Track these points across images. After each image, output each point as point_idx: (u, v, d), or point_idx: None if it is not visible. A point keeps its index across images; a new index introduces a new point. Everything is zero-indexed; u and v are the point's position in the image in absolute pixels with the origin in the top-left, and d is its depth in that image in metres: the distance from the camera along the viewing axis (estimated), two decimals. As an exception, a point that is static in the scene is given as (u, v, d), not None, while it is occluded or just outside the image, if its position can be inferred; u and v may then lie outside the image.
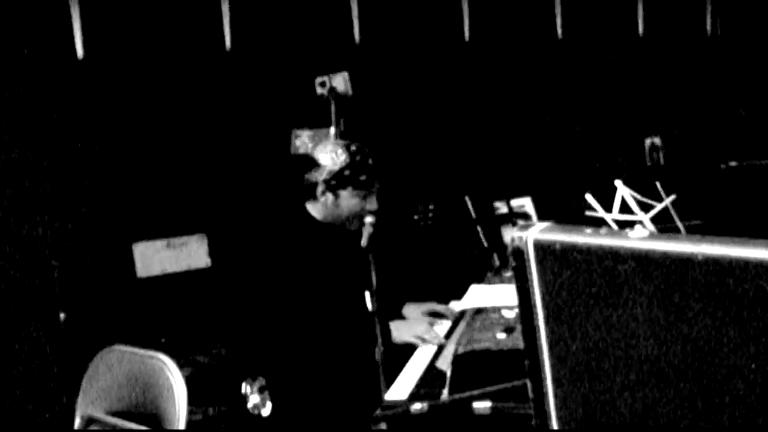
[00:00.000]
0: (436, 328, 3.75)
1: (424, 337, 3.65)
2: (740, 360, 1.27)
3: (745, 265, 1.24)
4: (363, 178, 3.75)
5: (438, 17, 6.53)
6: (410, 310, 3.98)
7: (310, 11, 6.02)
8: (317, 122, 5.26)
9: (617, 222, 3.32)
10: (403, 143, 6.11)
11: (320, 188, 3.73)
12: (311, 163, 3.77)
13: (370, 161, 3.79)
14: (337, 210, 3.78)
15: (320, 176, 3.72)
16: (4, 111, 5.11)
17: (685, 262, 1.29)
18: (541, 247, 1.47)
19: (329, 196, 3.74)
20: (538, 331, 1.52)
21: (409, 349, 3.55)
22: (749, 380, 1.27)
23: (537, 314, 1.52)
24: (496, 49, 6.74)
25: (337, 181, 3.72)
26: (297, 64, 5.78)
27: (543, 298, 1.50)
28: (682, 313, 1.32)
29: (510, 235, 1.53)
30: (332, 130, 5.14)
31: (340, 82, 5.13)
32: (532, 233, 1.49)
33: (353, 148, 3.77)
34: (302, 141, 5.28)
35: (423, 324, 3.77)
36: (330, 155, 3.75)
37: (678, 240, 1.33)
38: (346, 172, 3.72)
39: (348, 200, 3.76)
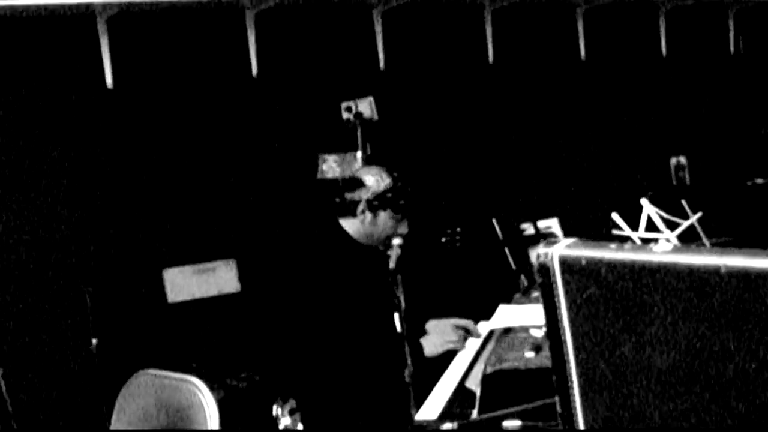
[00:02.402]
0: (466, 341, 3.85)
1: (457, 340, 3.79)
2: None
3: (768, 276, 1.25)
4: (402, 202, 3.94)
5: (461, 40, 6.57)
6: (433, 325, 4.03)
7: (335, 38, 6.07)
8: (344, 147, 5.31)
9: (643, 240, 3.34)
10: (429, 166, 6.14)
11: (361, 206, 3.90)
12: (357, 182, 3.96)
13: (409, 188, 3.99)
14: (372, 229, 3.94)
15: (364, 195, 3.90)
16: (36, 140, 5.17)
17: (710, 274, 1.31)
18: (567, 263, 1.49)
19: (368, 215, 3.92)
20: (565, 346, 1.54)
21: (438, 370, 3.57)
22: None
23: (564, 330, 1.53)
24: (520, 71, 6.76)
25: (379, 202, 3.90)
26: (323, 89, 5.83)
27: (569, 314, 1.52)
28: (709, 326, 1.33)
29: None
30: (359, 154, 5.18)
31: (366, 106, 5.18)
32: (558, 249, 1.50)
33: (395, 174, 3.99)
34: (329, 165, 5.32)
35: (452, 332, 3.87)
36: (375, 177, 3.95)
37: (702, 253, 1.34)
38: (389, 195, 3.91)
39: (385, 221, 3.94)
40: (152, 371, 3.30)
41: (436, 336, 3.85)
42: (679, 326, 1.36)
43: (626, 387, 1.47)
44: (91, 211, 5.30)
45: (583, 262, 1.47)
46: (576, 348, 1.53)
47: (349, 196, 3.95)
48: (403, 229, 3.96)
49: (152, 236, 5.47)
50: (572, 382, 1.55)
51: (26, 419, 4.94)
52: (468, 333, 3.93)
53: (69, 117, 5.26)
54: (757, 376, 1.29)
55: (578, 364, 1.53)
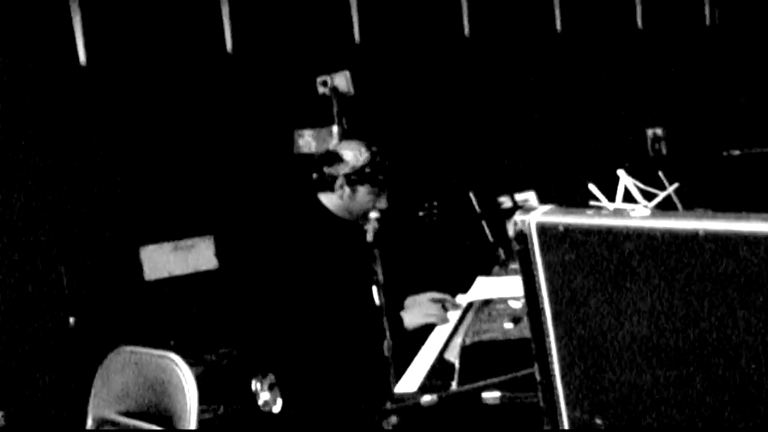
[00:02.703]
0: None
1: (438, 314, 3.76)
2: (747, 335, 1.28)
3: (748, 238, 1.25)
4: (380, 177, 3.95)
5: (437, 13, 6.54)
6: (411, 301, 4.03)
7: (310, 11, 6.03)
8: (320, 121, 5.28)
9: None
10: (405, 140, 6.12)
11: (340, 181, 3.91)
12: (335, 157, 3.96)
13: (387, 163, 3.99)
14: (351, 203, 3.95)
15: (342, 170, 3.91)
16: (9, 117, 5.13)
17: (689, 238, 1.30)
18: (544, 230, 1.48)
19: (347, 189, 3.92)
20: (544, 314, 1.53)
21: (417, 343, 3.57)
22: (756, 355, 1.28)
23: (542, 297, 1.53)
24: (496, 44, 6.74)
25: (357, 177, 3.91)
26: (298, 64, 5.80)
27: (547, 281, 1.51)
28: (688, 289, 1.33)
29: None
30: (335, 129, 5.16)
31: (342, 80, 5.15)
32: (535, 216, 1.50)
33: (374, 149, 3.99)
34: (305, 140, 5.29)
35: (432, 305, 3.86)
36: (354, 152, 3.96)
37: (680, 217, 1.34)
38: (367, 170, 3.92)
39: (363, 196, 3.94)
40: (130, 348, 3.29)
41: (416, 309, 3.87)
42: (658, 291, 1.36)
43: (606, 354, 1.47)
44: (67, 188, 5.26)
45: (561, 228, 1.46)
46: (554, 315, 1.52)
47: (327, 170, 3.95)
48: (382, 204, 3.96)
49: (129, 213, 5.44)
50: (551, 350, 1.55)
51: (5, 400, 4.92)
52: (445, 308, 3.93)
53: (41, 94, 5.21)
54: (739, 339, 1.29)
55: (557, 331, 1.53)
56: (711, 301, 1.31)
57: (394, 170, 4.07)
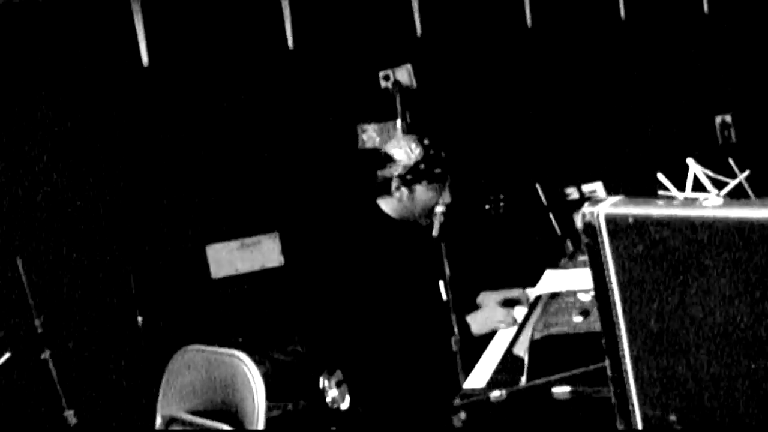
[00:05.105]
0: (513, 313, 3.75)
1: (505, 319, 3.68)
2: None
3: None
4: (438, 171, 3.71)
5: (498, 5, 6.49)
6: (484, 297, 3.97)
7: (370, 6, 6.02)
8: (383, 116, 5.27)
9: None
10: (470, 133, 6.09)
11: (395, 183, 3.69)
12: (384, 159, 3.74)
13: (443, 154, 3.75)
14: (411, 204, 3.74)
15: (395, 171, 3.69)
16: (74, 119, 5.18)
17: (763, 227, 1.26)
18: (614, 221, 1.45)
19: (404, 191, 3.71)
20: (614, 307, 1.50)
21: (485, 338, 3.54)
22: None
23: (612, 291, 1.49)
24: (559, 34, 6.67)
25: (412, 176, 3.68)
26: (360, 59, 5.78)
27: (617, 274, 1.47)
28: (762, 279, 1.29)
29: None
30: (398, 123, 5.14)
31: (404, 74, 5.13)
32: (604, 207, 1.46)
33: (426, 141, 3.73)
34: (369, 135, 5.29)
35: (499, 312, 3.76)
36: (404, 150, 3.70)
37: (754, 206, 1.30)
38: (422, 166, 3.68)
39: (423, 194, 3.72)
40: (198, 347, 3.30)
41: (483, 315, 3.76)
42: (731, 282, 1.32)
43: (678, 348, 1.43)
44: (134, 189, 5.31)
45: (630, 220, 1.43)
46: (625, 309, 1.49)
47: (381, 174, 3.73)
48: (446, 198, 3.73)
49: (195, 212, 5.47)
50: (622, 344, 1.51)
51: (76, 399, 4.97)
52: (517, 303, 3.87)
53: (106, 96, 5.26)
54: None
55: (628, 325, 1.49)
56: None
57: (456, 162, 3.90)
